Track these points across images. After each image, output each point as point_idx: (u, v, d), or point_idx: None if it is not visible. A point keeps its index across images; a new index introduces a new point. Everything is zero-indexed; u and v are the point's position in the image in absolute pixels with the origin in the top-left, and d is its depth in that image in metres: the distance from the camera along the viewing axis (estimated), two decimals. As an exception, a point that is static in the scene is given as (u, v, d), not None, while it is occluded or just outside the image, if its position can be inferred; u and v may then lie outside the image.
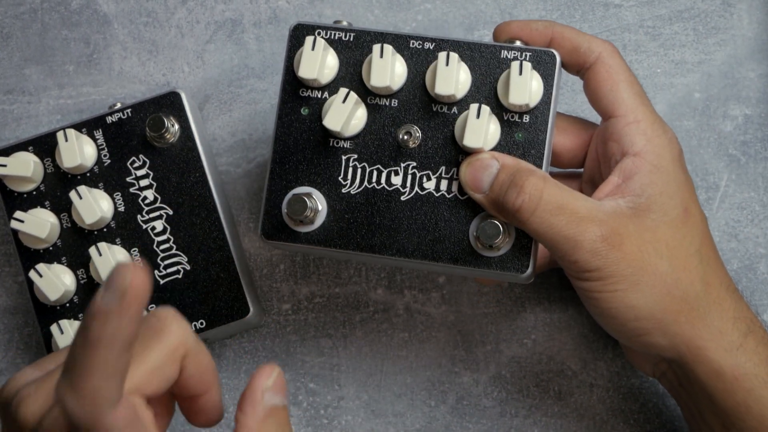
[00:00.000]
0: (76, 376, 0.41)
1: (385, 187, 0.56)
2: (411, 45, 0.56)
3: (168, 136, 0.61)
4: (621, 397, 0.63)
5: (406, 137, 0.55)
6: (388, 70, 0.54)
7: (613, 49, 0.56)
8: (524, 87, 0.54)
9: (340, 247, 0.56)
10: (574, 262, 0.52)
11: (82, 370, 0.41)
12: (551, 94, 0.55)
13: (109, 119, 0.62)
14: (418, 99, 0.56)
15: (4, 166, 0.60)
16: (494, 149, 0.55)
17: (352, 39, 0.56)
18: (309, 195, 0.55)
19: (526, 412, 0.64)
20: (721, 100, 0.64)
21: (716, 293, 0.54)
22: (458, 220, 0.55)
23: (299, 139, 0.56)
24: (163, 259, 0.61)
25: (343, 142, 0.56)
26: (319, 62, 0.55)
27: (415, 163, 0.56)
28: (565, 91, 0.65)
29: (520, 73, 0.54)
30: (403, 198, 0.56)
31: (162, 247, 0.61)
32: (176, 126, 0.61)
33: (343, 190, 0.56)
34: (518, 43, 0.55)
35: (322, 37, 0.56)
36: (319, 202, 0.56)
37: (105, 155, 0.61)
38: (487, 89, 0.55)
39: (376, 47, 0.55)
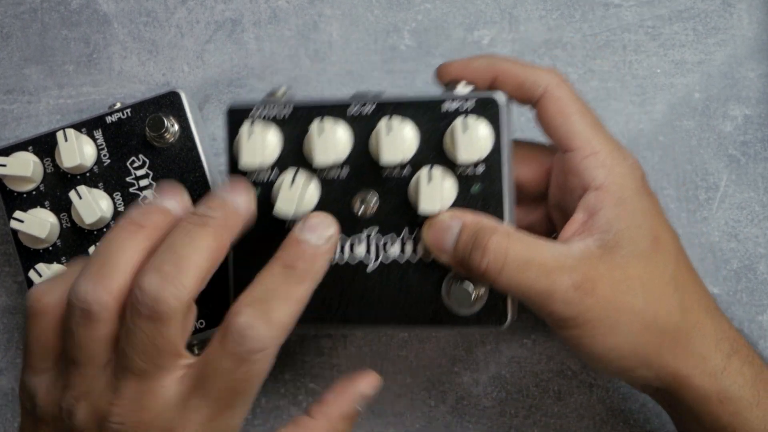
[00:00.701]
0: (273, 309, 0.49)
1: (349, 262, 0.54)
2: (349, 113, 0.54)
3: (168, 136, 0.61)
4: (621, 397, 0.63)
5: (362, 207, 0.54)
6: (330, 146, 0.53)
7: (560, 80, 0.54)
8: (471, 144, 0.52)
9: (315, 322, 0.55)
10: (550, 314, 0.51)
11: (280, 303, 0.49)
12: (501, 140, 0.53)
13: (108, 119, 0.62)
14: (368, 165, 0.54)
15: (4, 165, 0.60)
16: (453, 206, 0.53)
17: (289, 115, 0.55)
18: None
19: (526, 412, 0.64)
20: (721, 100, 0.64)
21: (695, 318, 0.53)
22: (428, 283, 0.54)
23: (256, 225, 0.54)
24: (162, 259, 0.61)
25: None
26: (259, 148, 0.54)
27: (376, 229, 0.54)
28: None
29: (465, 131, 0.52)
30: (369, 269, 0.54)
31: (162, 247, 0.61)
32: (176, 126, 0.61)
33: None
34: (461, 86, 0.54)
35: (258, 116, 0.55)
36: None
37: (105, 155, 0.61)
38: (435, 145, 0.53)
39: (314, 126, 0.53)
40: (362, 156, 0.54)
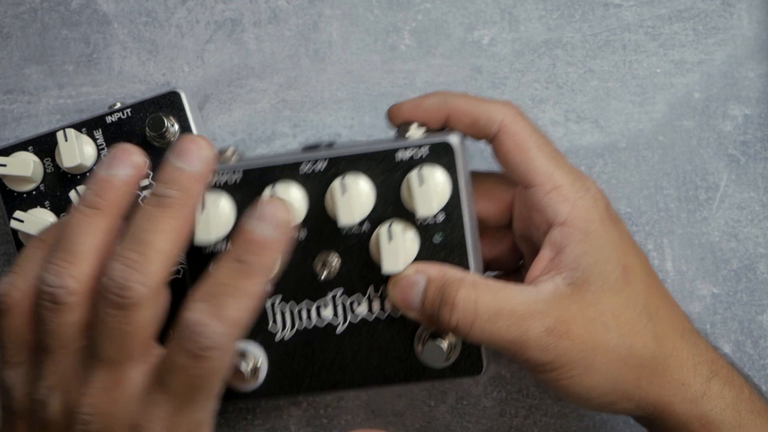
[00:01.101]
0: (223, 305, 0.47)
1: (317, 325, 0.54)
2: (302, 171, 0.53)
3: (168, 136, 0.61)
4: (621, 397, 0.63)
5: (324, 269, 0.53)
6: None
7: (515, 113, 0.53)
8: (429, 196, 0.51)
9: (290, 393, 0.54)
10: (525, 361, 0.51)
11: (230, 299, 0.48)
12: (459, 184, 0.52)
13: (108, 119, 0.61)
14: (326, 224, 0.53)
15: (4, 165, 0.60)
16: (417, 258, 0.52)
17: (239, 180, 0.54)
18: (244, 354, 0.54)
19: (526, 412, 0.64)
20: (720, 100, 0.64)
21: (671, 345, 0.53)
22: (399, 339, 0.53)
23: None
24: (162, 259, 0.61)
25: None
26: (213, 222, 0.52)
27: (341, 290, 0.53)
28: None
29: (421, 184, 0.51)
30: (338, 331, 0.54)
31: (162, 247, 0.61)
32: (176, 126, 0.61)
33: (277, 338, 0.54)
34: (414, 128, 0.53)
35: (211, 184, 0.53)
36: (257, 356, 0.54)
37: (105, 155, 0.61)
38: (392, 198, 0.53)
39: (266, 193, 0.52)
40: (319, 215, 0.53)
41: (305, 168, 0.53)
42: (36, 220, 0.60)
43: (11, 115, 0.67)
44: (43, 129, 0.66)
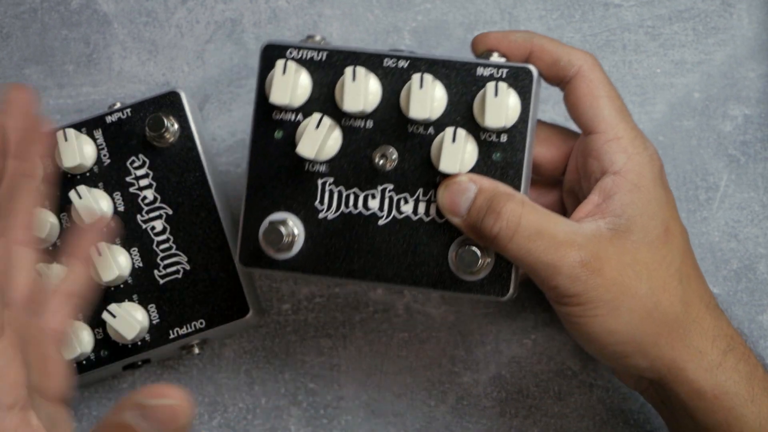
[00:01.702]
0: None
1: (362, 211, 0.55)
2: (385, 64, 0.55)
3: (168, 136, 0.61)
4: (621, 397, 0.63)
5: (382, 160, 0.54)
6: (362, 94, 0.53)
7: (594, 62, 0.55)
8: (500, 110, 0.52)
9: (318, 273, 0.55)
10: (554, 288, 0.52)
11: None
12: (529, 112, 0.53)
13: (108, 119, 0.62)
14: (394, 120, 0.55)
15: (4, 165, 0.60)
16: (472, 170, 0.54)
17: (324, 59, 0.55)
18: (285, 222, 0.55)
19: (526, 412, 0.64)
20: (720, 100, 0.64)
21: (696, 312, 0.54)
22: (437, 244, 0.54)
23: (274, 163, 0.55)
24: (162, 259, 0.61)
25: (318, 166, 0.55)
26: (291, 87, 0.54)
27: (391, 186, 0.55)
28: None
29: (496, 95, 0.52)
30: (380, 222, 0.55)
31: (162, 246, 0.61)
32: (176, 126, 0.61)
33: (320, 216, 0.55)
34: (495, 56, 0.54)
35: (293, 57, 0.55)
36: (296, 228, 0.55)
37: (105, 155, 0.61)
38: (463, 108, 0.54)
39: (348, 70, 0.53)
40: (389, 110, 0.55)
41: (388, 62, 0.55)
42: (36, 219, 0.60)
43: (11, 115, 0.67)
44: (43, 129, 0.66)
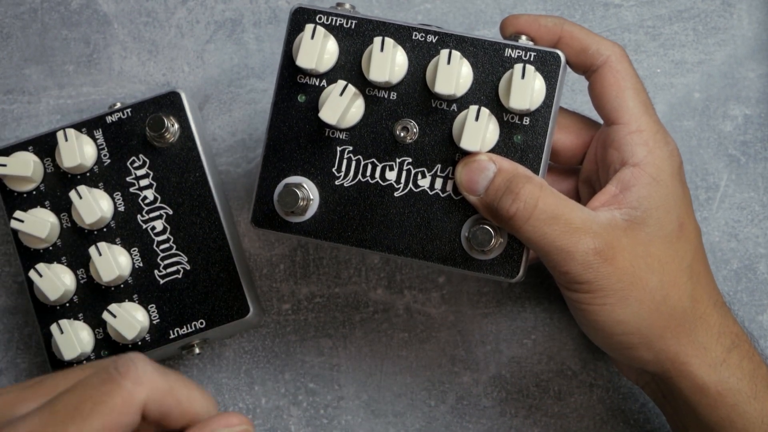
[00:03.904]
0: None
1: (379, 181, 0.55)
2: (413, 37, 0.55)
3: (168, 136, 0.61)
4: (621, 397, 0.63)
5: (403, 133, 0.55)
6: (388, 64, 0.54)
7: (622, 53, 0.55)
8: (526, 92, 0.53)
9: (330, 239, 0.55)
10: (565, 273, 0.52)
11: None
12: (553, 97, 0.54)
13: (109, 119, 0.62)
14: (418, 93, 0.55)
15: (4, 165, 0.60)
16: (492, 151, 0.54)
17: (353, 27, 0.55)
18: (300, 186, 0.55)
19: (526, 412, 0.64)
20: (721, 100, 0.64)
21: (703, 309, 0.54)
22: (451, 221, 0.55)
23: (294, 126, 0.56)
24: (162, 259, 0.61)
25: (338, 133, 0.55)
26: (318, 51, 0.54)
27: (410, 159, 0.55)
28: (568, 89, 0.65)
29: (523, 77, 0.53)
30: (396, 194, 0.55)
31: (162, 247, 0.61)
32: (176, 126, 0.61)
33: (337, 182, 0.56)
34: (524, 39, 0.55)
35: (322, 23, 0.55)
36: (311, 193, 0.55)
37: (105, 155, 0.61)
38: (488, 88, 0.54)
39: (377, 40, 0.54)
40: (414, 84, 0.55)
41: (417, 35, 0.55)
42: (36, 220, 0.60)
43: (11, 115, 0.67)
44: (43, 129, 0.66)
